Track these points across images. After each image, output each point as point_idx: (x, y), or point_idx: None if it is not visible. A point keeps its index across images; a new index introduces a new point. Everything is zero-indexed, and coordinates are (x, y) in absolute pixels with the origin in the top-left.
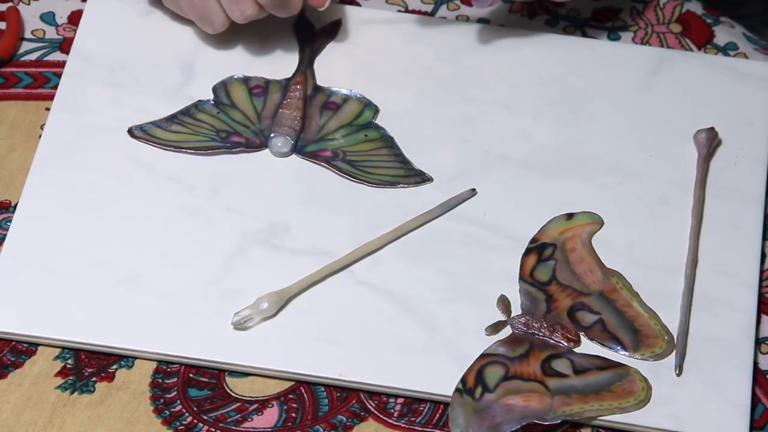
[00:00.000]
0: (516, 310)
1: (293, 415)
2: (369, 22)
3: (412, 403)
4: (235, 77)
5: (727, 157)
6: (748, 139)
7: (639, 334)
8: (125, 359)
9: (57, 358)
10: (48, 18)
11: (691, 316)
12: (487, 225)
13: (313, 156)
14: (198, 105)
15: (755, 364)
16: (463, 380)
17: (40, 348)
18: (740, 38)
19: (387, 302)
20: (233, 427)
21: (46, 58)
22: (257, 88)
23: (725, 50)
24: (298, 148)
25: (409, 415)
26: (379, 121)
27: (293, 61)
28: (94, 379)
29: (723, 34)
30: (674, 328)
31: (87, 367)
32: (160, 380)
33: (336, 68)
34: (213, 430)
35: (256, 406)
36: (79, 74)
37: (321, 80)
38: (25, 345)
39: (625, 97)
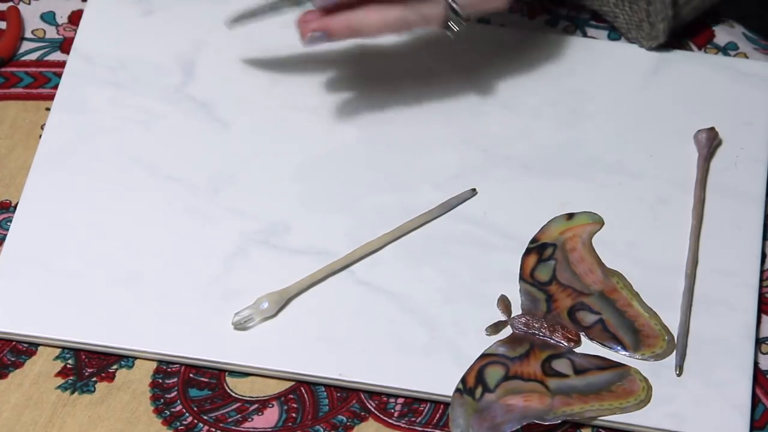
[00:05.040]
0: (516, 310)
1: (293, 415)
2: None
3: (413, 403)
4: None
5: (728, 157)
6: (748, 139)
7: (639, 334)
8: (125, 359)
9: (57, 358)
10: (48, 18)
11: (691, 316)
12: (487, 225)
13: None
14: None
15: (755, 364)
16: (464, 380)
17: (40, 348)
18: (740, 38)
19: (387, 302)
20: (233, 427)
21: (46, 58)
22: None
23: (725, 50)
24: None
25: (410, 415)
26: (380, 120)
27: (294, 61)
28: (94, 379)
29: (723, 34)
30: (674, 328)
31: (87, 367)
32: (160, 380)
33: (336, 68)
34: (213, 430)
35: (256, 406)
36: (80, 74)
37: (320, 80)
38: (26, 345)
39: (625, 97)
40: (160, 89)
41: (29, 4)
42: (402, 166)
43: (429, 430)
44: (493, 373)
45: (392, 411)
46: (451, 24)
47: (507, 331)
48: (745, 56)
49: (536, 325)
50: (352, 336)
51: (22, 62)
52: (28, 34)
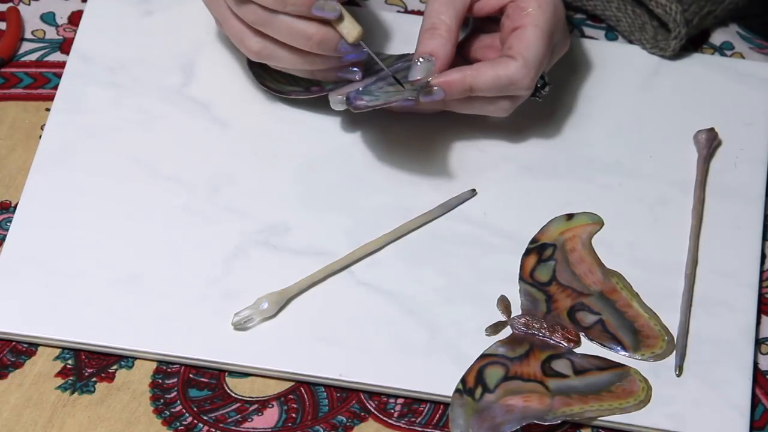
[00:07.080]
0: (516, 310)
1: (293, 415)
2: (369, 22)
3: (412, 403)
4: None
5: (727, 157)
6: (748, 140)
7: (639, 334)
8: (125, 359)
9: (57, 358)
10: (48, 18)
11: (691, 316)
12: (487, 225)
13: None
14: None
15: (755, 364)
16: (463, 380)
17: (40, 348)
18: (735, 37)
19: (387, 302)
20: (233, 428)
21: (46, 59)
22: None
23: (721, 49)
24: None
25: (409, 415)
26: (380, 120)
27: None
28: (94, 379)
29: (718, 33)
30: (674, 328)
31: (87, 368)
32: (160, 380)
33: None
34: (213, 430)
35: (256, 406)
36: (79, 74)
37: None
38: (26, 345)
39: (625, 97)
40: (160, 89)
41: (29, 4)
42: (402, 166)
43: (429, 430)
44: (493, 374)
45: (392, 411)
46: (542, 91)
47: (507, 332)
48: (741, 55)
49: (536, 326)
50: (352, 336)
51: (22, 63)
52: (28, 35)
